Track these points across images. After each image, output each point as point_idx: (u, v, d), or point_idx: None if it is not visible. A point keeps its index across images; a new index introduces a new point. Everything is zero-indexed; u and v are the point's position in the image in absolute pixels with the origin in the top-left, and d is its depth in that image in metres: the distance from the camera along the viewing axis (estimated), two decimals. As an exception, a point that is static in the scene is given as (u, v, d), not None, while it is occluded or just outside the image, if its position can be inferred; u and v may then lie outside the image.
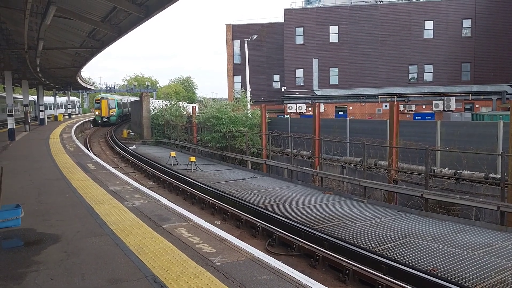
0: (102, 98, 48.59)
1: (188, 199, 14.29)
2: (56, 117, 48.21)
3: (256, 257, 5.87)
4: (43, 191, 10.38)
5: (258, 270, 5.39)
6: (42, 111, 39.75)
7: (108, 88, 75.91)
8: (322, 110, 36.43)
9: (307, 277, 5.41)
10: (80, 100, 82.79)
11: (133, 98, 62.62)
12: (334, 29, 39.71)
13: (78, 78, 41.32)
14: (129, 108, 56.81)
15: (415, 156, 15.08)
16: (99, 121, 48.08)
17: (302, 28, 40.10)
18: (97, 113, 48.78)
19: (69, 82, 46.41)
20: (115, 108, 48.77)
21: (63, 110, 60.62)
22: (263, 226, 10.16)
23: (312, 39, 39.91)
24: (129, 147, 29.07)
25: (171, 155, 22.20)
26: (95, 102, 50.27)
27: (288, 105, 39.93)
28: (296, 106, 39.64)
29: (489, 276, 7.33)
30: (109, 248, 6.22)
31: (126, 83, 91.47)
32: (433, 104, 37.37)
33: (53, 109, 51.99)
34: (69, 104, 58.40)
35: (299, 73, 40.46)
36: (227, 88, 44.98)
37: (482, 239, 9.41)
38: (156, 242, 6.47)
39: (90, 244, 6.43)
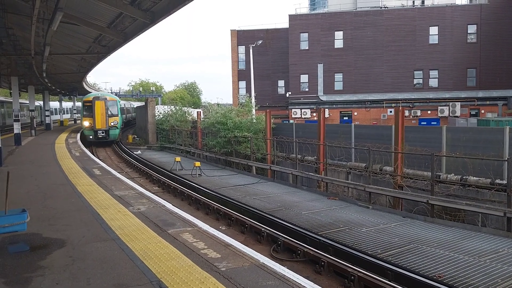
0: (97, 98, 30.57)
1: (193, 204, 14.29)
2: (61, 122, 48.47)
3: (261, 262, 5.86)
4: (49, 196, 10.42)
5: (263, 276, 5.38)
6: (48, 116, 40.05)
7: (114, 93, 75.90)
8: (327, 115, 36.41)
9: (312, 283, 5.39)
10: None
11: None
12: (338, 34, 39.76)
13: (84, 83, 41.46)
14: (132, 114, 53.15)
15: (421, 162, 15.02)
16: (91, 136, 30.36)
17: (306, 34, 40.17)
18: (87, 123, 30.26)
19: (75, 88, 46.53)
20: (117, 116, 31.22)
21: (68, 115, 61.06)
22: (268, 231, 10.14)
23: (317, 45, 39.97)
24: (134, 152, 29.15)
25: (176, 160, 22.25)
26: (84, 105, 31.13)
27: (293, 110, 39.94)
28: (301, 112, 39.64)
29: (496, 283, 7.27)
30: (114, 253, 6.23)
31: (131, 89, 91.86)
32: (439, 110, 37.24)
33: (59, 114, 52.29)
34: (75, 109, 58.74)
35: (304, 78, 40.49)
36: (232, 93, 45.11)
37: (489, 245, 9.34)
38: (161, 247, 6.47)
39: (96, 249, 6.44)
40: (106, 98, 30.93)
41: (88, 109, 30.36)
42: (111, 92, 74.74)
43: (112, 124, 30.63)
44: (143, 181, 19.44)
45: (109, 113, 30.45)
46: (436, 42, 38.24)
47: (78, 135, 30.97)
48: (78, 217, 8.32)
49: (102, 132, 30.17)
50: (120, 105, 33.85)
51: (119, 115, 31.74)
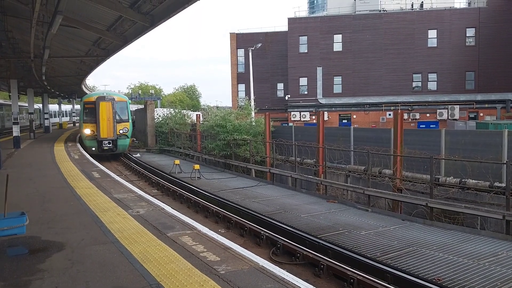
0: (102, 98, 24.27)
1: (192, 207, 14.29)
2: (61, 125, 48.42)
3: (260, 265, 5.86)
4: (48, 199, 10.41)
5: (263, 279, 5.37)
6: (47, 119, 40.04)
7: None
8: (326, 118, 36.48)
9: (312, 286, 5.39)
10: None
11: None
12: (337, 37, 39.86)
13: (83, 86, 41.51)
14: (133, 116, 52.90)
15: (420, 165, 15.03)
16: (93, 148, 24.14)
17: (306, 37, 40.27)
18: (88, 131, 24.16)
19: (74, 90, 46.59)
20: (127, 121, 25.13)
21: (67, 118, 61.06)
22: (267, 234, 10.14)
23: (316, 48, 40.05)
24: (133, 155, 29.10)
25: (175, 163, 22.22)
26: (85, 108, 24.63)
27: (292, 113, 39.98)
28: (300, 115, 39.68)
29: (495, 285, 7.27)
30: (114, 256, 6.22)
31: (130, 91, 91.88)
32: (437, 113, 37.31)
33: (58, 117, 52.30)
34: (74, 112, 58.77)
35: (303, 81, 40.56)
36: (231, 96, 45.18)
37: (488, 248, 9.34)
38: (161, 250, 6.47)
39: (95, 252, 6.43)
40: (113, 99, 24.48)
41: (90, 112, 24.11)
42: None
43: (121, 132, 24.39)
44: (142, 184, 19.43)
45: (117, 117, 24.28)
46: (435, 45, 38.35)
47: (77, 138, 30.93)
48: (77, 220, 8.31)
49: (109, 143, 24.03)
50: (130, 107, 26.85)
51: (130, 120, 25.32)
